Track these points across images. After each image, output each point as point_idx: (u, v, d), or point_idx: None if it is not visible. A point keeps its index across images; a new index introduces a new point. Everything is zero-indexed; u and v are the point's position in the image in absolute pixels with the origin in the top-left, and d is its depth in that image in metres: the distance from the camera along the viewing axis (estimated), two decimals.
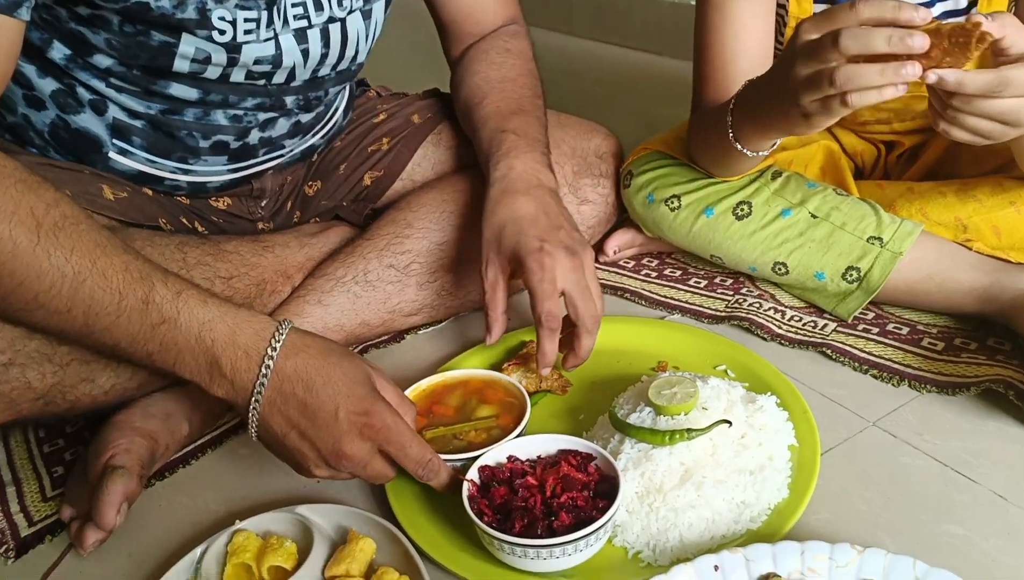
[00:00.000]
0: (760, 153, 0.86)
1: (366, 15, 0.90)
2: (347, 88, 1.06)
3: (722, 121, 0.85)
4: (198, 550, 0.68)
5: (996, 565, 0.62)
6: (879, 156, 1.10)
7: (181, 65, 0.80)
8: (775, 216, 0.95)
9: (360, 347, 0.99)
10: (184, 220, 0.95)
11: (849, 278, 0.90)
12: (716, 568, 0.60)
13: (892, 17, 0.64)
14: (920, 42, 0.62)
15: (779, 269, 0.95)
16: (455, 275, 0.99)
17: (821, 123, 0.73)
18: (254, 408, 0.66)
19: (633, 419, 0.72)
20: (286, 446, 0.67)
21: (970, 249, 0.88)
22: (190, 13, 0.76)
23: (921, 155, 1.05)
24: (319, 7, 0.84)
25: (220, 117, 0.88)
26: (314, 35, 0.85)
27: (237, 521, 0.69)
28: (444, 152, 1.09)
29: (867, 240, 0.89)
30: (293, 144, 0.98)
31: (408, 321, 1.00)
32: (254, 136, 0.92)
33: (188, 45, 0.79)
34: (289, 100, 0.91)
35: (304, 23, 0.84)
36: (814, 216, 0.93)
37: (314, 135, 1.01)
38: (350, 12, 0.87)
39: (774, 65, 0.79)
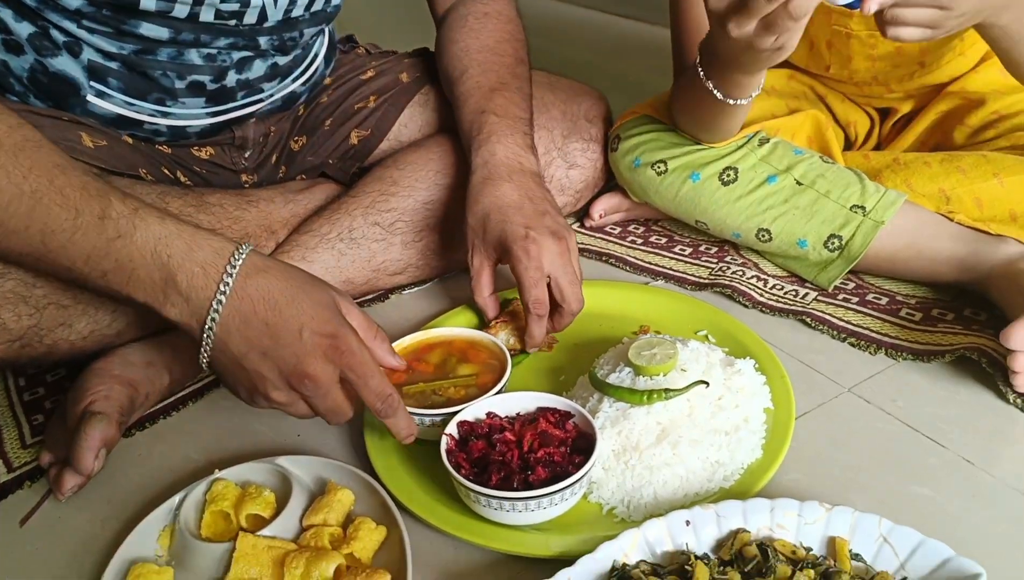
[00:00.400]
0: (740, 101, 0.85)
1: None
2: (326, 33, 1.05)
3: (697, 76, 0.85)
4: (176, 497, 0.68)
5: (959, 524, 0.64)
6: (872, 126, 1.10)
7: (147, 3, 0.79)
8: (761, 182, 0.95)
9: None
10: (166, 170, 0.94)
11: (831, 246, 0.91)
12: (687, 523, 0.61)
13: None
14: None
15: (763, 236, 0.95)
16: (441, 235, 0.99)
17: (778, 44, 0.72)
18: (209, 328, 0.63)
19: (613, 379, 0.72)
20: (243, 367, 0.64)
21: (951, 220, 0.89)
22: None
23: (913, 124, 1.06)
24: None
25: (194, 56, 0.87)
26: None
27: (217, 470, 0.70)
28: (431, 113, 1.09)
29: (850, 208, 0.90)
30: (272, 88, 0.97)
31: (393, 280, 1.00)
32: (231, 78, 0.91)
33: None
34: (263, 40, 0.90)
35: None
36: (799, 183, 0.93)
37: (294, 80, 1.00)
38: None
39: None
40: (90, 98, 0.86)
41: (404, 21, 1.09)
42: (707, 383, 0.70)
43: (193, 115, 0.92)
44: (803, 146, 1.01)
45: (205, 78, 0.89)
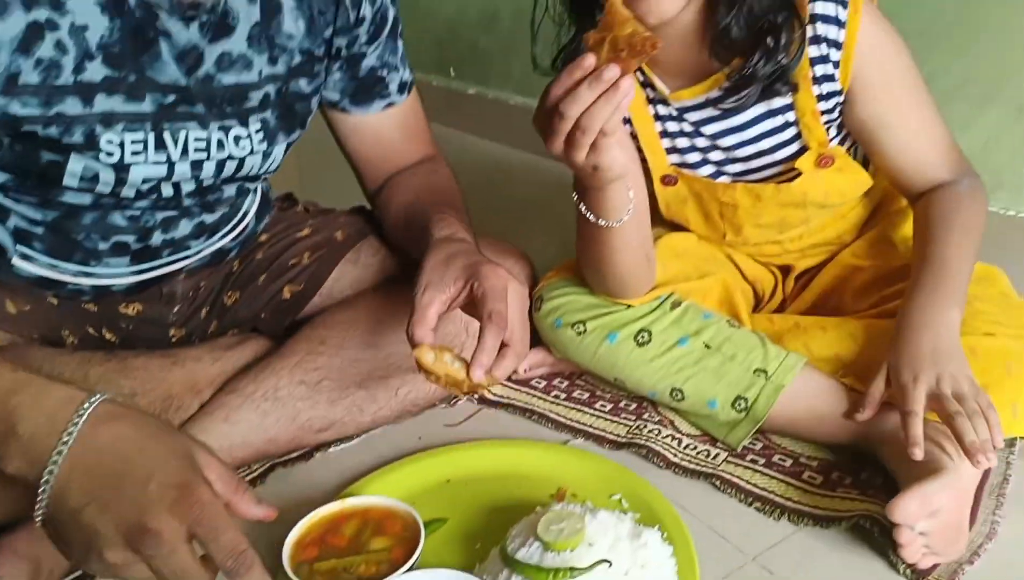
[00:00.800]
0: (610, 223, 0.89)
1: (266, 155, 0.93)
2: (258, 192, 1.08)
3: (578, 208, 0.90)
4: None
5: None
6: (776, 283, 1.18)
7: (70, 181, 0.82)
8: (673, 344, 1.01)
9: (267, 464, 0.99)
10: (91, 329, 0.95)
11: (738, 407, 0.96)
12: None
13: (569, 77, 0.72)
14: (590, 60, 0.71)
15: (676, 395, 1.00)
16: (367, 391, 1.02)
17: (591, 162, 0.77)
18: (46, 480, 0.58)
19: (522, 554, 0.74)
20: (79, 524, 0.58)
21: (844, 384, 0.95)
22: (77, 138, 0.79)
23: (811, 284, 1.14)
24: (221, 146, 0.88)
25: (118, 218, 0.89)
26: (209, 166, 0.88)
27: None
28: (362, 269, 1.12)
29: (754, 371, 0.96)
30: (199, 245, 0.99)
31: (318, 437, 1.01)
32: (156, 237, 0.93)
33: (76, 164, 0.81)
34: (187, 201, 0.92)
35: (203, 156, 0.87)
36: (708, 346, 0.99)
37: (222, 236, 1.02)
38: (251, 153, 0.91)
39: None
40: (15, 261, 0.88)
41: (347, 179, 1.15)
42: (610, 563, 0.72)
43: (117, 274, 0.94)
44: (713, 308, 1.07)
45: (129, 238, 0.91)
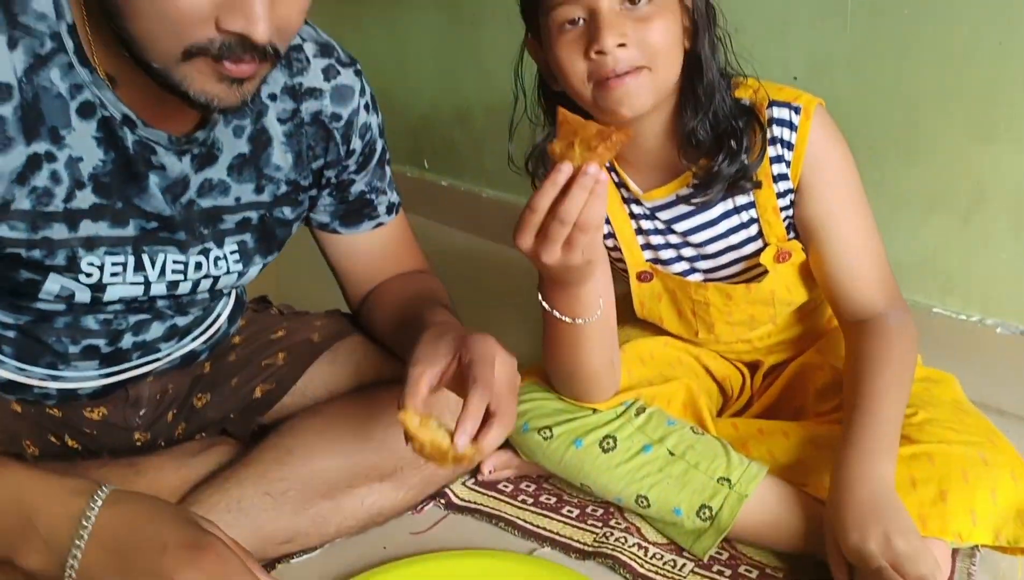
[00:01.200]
0: (578, 321, 0.90)
1: (240, 274, 0.95)
2: (232, 295, 1.09)
3: (543, 307, 0.91)
4: None
5: None
6: (744, 380, 1.21)
7: (46, 297, 0.83)
8: (637, 451, 1.02)
9: None
10: (52, 437, 0.94)
11: (703, 516, 0.96)
12: None
13: (554, 186, 0.75)
14: (567, 167, 0.74)
15: (641, 502, 1.00)
16: (333, 502, 1.00)
17: (586, 258, 0.79)
18: (71, 566, 0.63)
19: None
20: None
21: (806, 493, 0.96)
22: (59, 260, 0.80)
23: (776, 382, 1.16)
24: (199, 268, 0.90)
25: (90, 322, 0.90)
26: (186, 285, 0.90)
27: None
28: (339, 369, 1.12)
29: (717, 480, 0.97)
30: (170, 347, 0.99)
31: (280, 549, 0.99)
32: (127, 340, 0.93)
33: (54, 283, 0.82)
34: (159, 304, 0.93)
35: (180, 277, 0.89)
36: (671, 453, 1.00)
37: (193, 339, 1.02)
38: (226, 273, 0.93)
39: None
40: None
41: (324, 281, 1.16)
42: None
43: (85, 377, 0.94)
44: (678, 413, 1.09)
45: (100, 341, 0.92)
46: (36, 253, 0.79)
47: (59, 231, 0.79)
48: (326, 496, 1.00)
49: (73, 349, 0.90)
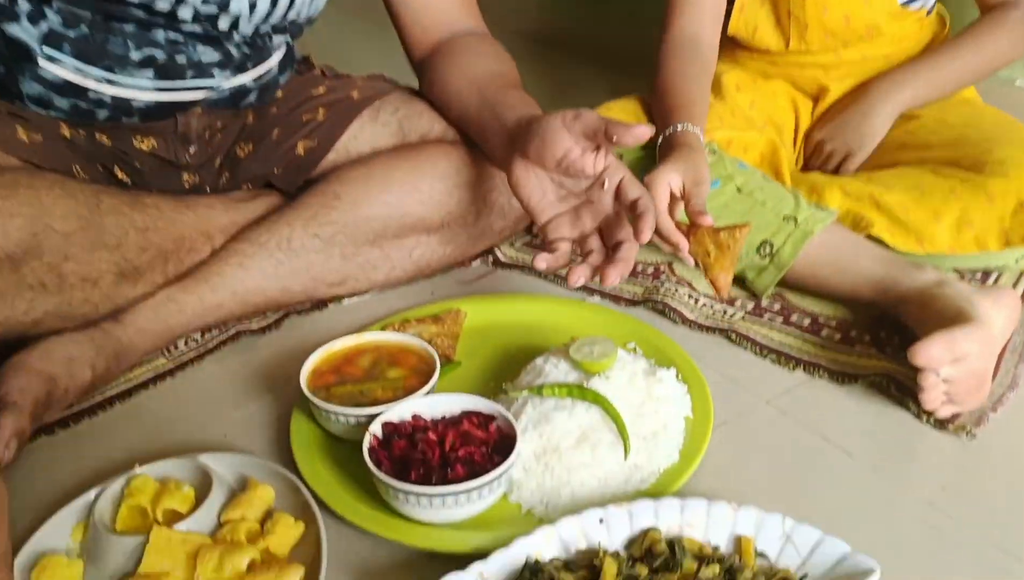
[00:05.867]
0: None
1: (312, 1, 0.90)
2: (286, 44, 1.06)
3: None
4: (93, 492, 0.68)
5: (860, 525, 0.66)
6: (796, 129, 1.19)
7: None
8: None
9: (281, 313, 0.99)
10: (102, 166, 0.93)
11: (763, 253, 0.94)
12: (601, 521, 0.62)
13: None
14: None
15: None
16: (381, 251, 1.00)
17: None
18: None
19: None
20: None
21: (870, 236, 0.94)
22: None
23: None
24: None
25: (159, 35, 0.88)
26: (263, 4, 0.87)
27: (137, 466, 0.69)
28: (380, 127, 1.09)
29: (783, 218, 0.94)
30: (223, 76, 0.97)
31: (332, 290, 1.00)
32: (182, 57, 0.92)
33: None
34: (231, 47, 0.91)
35: None
36: (739, 190, 0.97)
37: (245, 73, 0.99)
38: None
39: None
40: (41, 62, 0.86)
41: (363, 50, 1.11)
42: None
43: (140, 86, 0.92)
44: (754, 162, 1.06)
45: (159, 52, 0.90)
46: None
47: None
48: (374, 244, 1.00)
49: (135, 55, 0.88)
